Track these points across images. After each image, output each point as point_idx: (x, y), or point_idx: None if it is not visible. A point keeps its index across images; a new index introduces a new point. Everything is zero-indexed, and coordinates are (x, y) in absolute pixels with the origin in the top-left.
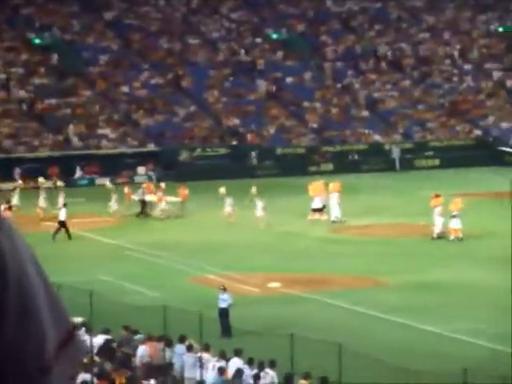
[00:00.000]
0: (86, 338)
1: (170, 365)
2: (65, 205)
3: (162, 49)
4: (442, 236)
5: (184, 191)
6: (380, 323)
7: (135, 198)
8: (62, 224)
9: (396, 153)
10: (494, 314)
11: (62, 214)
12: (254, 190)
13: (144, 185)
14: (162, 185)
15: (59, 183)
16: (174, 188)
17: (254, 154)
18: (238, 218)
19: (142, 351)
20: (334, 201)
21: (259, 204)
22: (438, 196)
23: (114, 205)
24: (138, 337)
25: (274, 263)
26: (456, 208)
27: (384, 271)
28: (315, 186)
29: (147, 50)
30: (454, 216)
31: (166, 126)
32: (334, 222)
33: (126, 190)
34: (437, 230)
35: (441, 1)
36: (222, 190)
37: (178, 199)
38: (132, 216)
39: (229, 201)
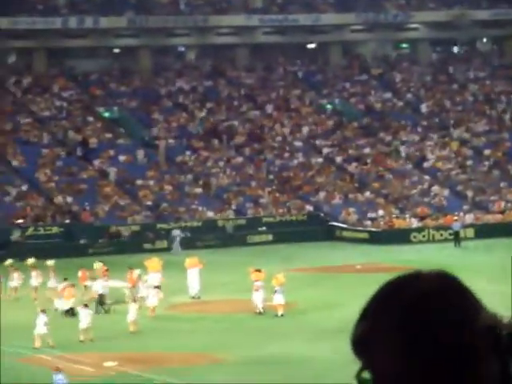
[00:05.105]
0: None
1: None
2: None
3: None
4: (261, 312)
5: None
6: None
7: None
8: None
9: (229, 229)
10: None
11: None
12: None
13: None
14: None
15: None
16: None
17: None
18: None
19: None
20: (193, 276)
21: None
22: (258, 271)
23: None
24: None
25: (110, 342)
26: (278, 283)
27: (220, 348)
28: (152, 262)
29: None
30: (276, 291)
31: None
32: (193, 297)
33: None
34: (254, 304)
35: (271, 79)
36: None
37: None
38: None
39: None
